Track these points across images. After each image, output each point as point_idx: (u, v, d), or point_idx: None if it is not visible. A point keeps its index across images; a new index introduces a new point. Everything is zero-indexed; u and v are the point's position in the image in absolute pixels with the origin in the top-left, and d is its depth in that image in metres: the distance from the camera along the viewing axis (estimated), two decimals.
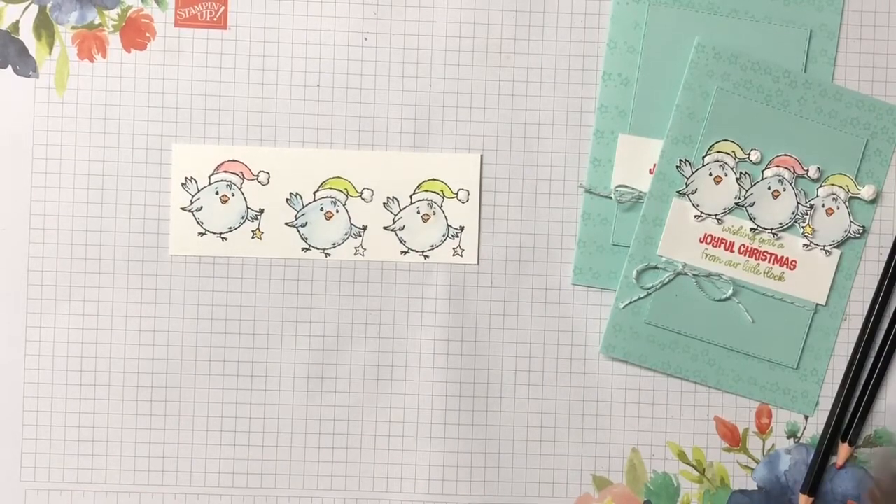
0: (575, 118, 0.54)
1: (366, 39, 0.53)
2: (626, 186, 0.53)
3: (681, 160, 0.52)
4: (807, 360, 0.53)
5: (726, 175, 0.52)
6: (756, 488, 0.54)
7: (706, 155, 0.52)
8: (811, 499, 0.53)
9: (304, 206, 0.53)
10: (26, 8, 0.53)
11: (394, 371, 0.53)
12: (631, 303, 0.53)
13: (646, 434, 0.54)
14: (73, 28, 0.53)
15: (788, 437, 0.54)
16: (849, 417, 0.53)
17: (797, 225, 0.53)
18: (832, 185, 0.53)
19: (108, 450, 0.53)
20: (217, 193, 0.53)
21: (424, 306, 0.53)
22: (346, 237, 0.53)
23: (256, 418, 0.53)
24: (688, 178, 0.52)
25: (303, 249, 0.53)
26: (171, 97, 0.53)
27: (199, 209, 0.53)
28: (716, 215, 0.53)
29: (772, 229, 0.53)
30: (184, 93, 0.53)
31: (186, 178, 0.53)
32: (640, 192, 0.53)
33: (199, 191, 0.53)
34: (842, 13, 0.54)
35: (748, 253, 0.53)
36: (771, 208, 0.53)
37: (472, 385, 0.53)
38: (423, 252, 0.53)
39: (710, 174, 0.52)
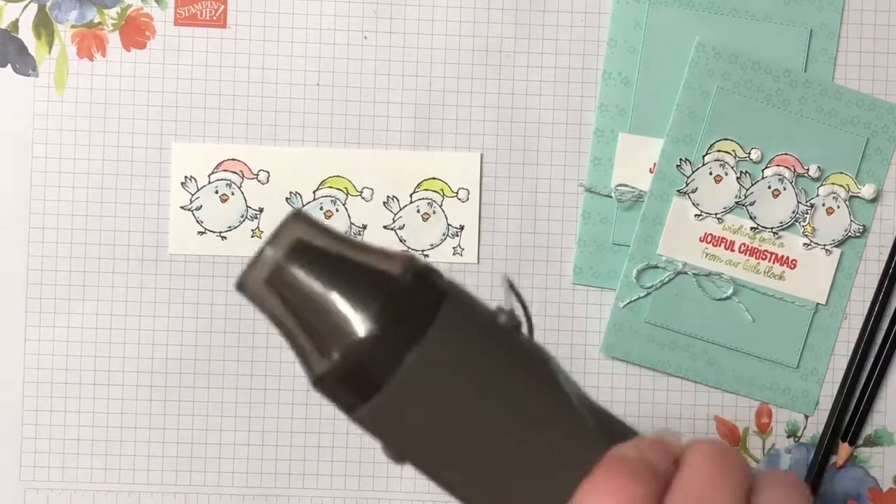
0: (575, 117, 0.54)
1: (366, 38, 0.53)
2: (626, 185, 0.53)
3: (681, 159, 0.52)
4: (807, 359, 0.53)
5: (726, 174, 0.52)
6: None
7: (706, 154, 0.52)
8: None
9: (303, 206, 0.53)
10: (26, 6, 0.53)
11: None
12: (631, 302, 0.53)
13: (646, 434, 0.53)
14: (73, 27, 0.53)
15: (788, 437, 0.54)
16: (849, 417, 0.53)
17: (797, 224, 0.53)
18: (832, 184, 0.53)
19: (107, 449, 0.53)
20: (217, 192, 0.53)
21: None
22: None
23: (256, 418, 0.53)
24: (688, 178, 0.52)
25: None
26: (170, 96, 0.53)
27: (198, 208, 0.53)
28: (716, 214, 0.53)
29: (772, 228, 0.53)
30: (183, 92, 0.53)
31: (186, 177, 0.53)
32: (641, 191, 0.53)
33: (198, 190, 0.53)
34: (842, 12, 0.53)
35: (748, 252, 0.53)
36: (771, 207, 0.53)
37: None
38: (423, 251, 0.53)
39: (711, 173, 0.52)
